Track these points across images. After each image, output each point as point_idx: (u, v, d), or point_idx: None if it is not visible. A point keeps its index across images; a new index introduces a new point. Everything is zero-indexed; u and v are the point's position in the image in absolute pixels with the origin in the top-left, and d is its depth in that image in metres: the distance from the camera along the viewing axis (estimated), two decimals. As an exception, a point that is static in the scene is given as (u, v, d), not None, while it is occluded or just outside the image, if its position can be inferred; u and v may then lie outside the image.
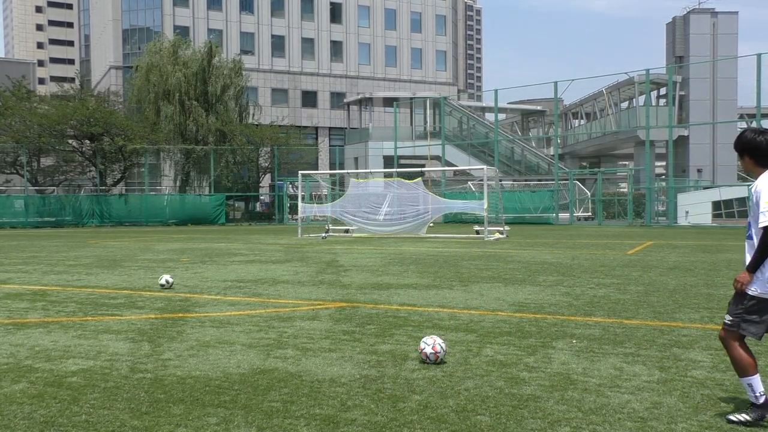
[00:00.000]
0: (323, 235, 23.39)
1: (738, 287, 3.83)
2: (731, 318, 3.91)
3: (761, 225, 3.70)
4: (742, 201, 30.85)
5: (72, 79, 65.88)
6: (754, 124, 47.61)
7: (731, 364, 3.99)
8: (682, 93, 47.75)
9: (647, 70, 35.34)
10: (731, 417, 3.83)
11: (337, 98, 68.61)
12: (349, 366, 5.10)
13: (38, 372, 5.01)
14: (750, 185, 3.98)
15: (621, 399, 4.23)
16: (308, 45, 68.36)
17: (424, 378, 4.74)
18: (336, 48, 69.53)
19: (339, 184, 40.59)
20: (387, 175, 31.23)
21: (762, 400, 3.79)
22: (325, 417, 3.92)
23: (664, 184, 37.18)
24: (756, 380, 3.83)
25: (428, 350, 5.13)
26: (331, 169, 56.06)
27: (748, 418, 3.77)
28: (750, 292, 3.82)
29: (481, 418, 3.88)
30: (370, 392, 4.40)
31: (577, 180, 40.02)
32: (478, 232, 23.51)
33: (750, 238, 3.88)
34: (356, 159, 51.76)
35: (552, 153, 48.02)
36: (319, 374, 4.87)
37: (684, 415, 3.93)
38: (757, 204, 3.78)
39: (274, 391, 4.44)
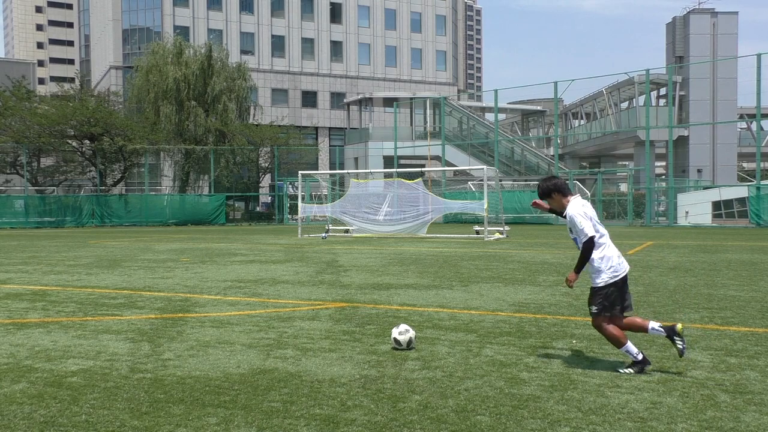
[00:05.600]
0: (323, 235, 23.39)
1: (568, 285, 4.97)
2: (596, 307, 4.94)
3: (584, 238, 4.87)
4: (743, 201, 30.86)
5: (72, 79, 65.85)
6: (753, 125, 47.59)
7: (609, 341, 5.02)
8: (682, 93, 47.75)
9: (647, 70, 35.36)
10: (620, 370, 4.85)
11: (337, 98, 68.62)
12: (349, 366, 5.10)
13: (38, 372, 5.01)
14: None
15: (621, 399, 4.23)
16: (308, 45, 68.37)
17: (424, 378, 4.74)
18: (336, 48, 69.54)
19: (339, 184, 40.60)
20: (387, 175, 31.23)
21: (640, 356, 4.86)
22: (325, 417, 3.92)
23: (664, 184, 37.22)
24: (630, 346, 4.89)
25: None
26: (331, 169, 56.08)
27: (632, 370, 4.81)
28: (597, 285, 4.93)
29: (481, 418, 3.88)
30: (370, 392, 4.40)
31: (577, 180, 40.02)
32: (478, 232, 23.52)
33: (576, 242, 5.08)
34: (356, 159, 51.77)
35: (552, 153, 48.03)
36: (319, 374, 4.87)
37: (684, 415, 3.93)
38: (573, 226, 5.01)
39: (274, 391, 4.44)
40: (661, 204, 37.56)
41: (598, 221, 5.07)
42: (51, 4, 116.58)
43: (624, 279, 4.99)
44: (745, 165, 56.56)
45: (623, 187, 47.48)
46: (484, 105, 63.12)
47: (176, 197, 40.25)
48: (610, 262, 4.95)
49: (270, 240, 22.61)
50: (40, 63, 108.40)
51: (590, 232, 4.89)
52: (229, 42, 62.96)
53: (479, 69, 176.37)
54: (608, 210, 39.33)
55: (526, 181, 45.88)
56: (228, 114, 42.66)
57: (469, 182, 41.44)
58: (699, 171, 47.30)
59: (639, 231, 27.33)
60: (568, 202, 5.15)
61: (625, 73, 59.56)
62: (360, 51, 70.33)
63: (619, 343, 4.89)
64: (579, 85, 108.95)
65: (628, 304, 5.06)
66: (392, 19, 71.59)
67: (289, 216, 41.03)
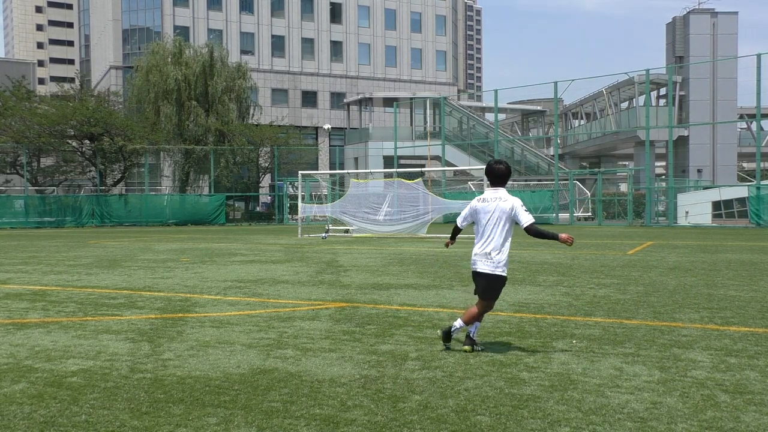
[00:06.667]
0: (323, 235, 23.39)
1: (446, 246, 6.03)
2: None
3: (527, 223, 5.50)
4: (743, 201, 30.84)
5: (72, 79, 65.82)
6: (753, 125, 47.59)
7: (477, 317, 5.60)
8: (682, 93, 47.75)
9: (647, 70, 35.34)
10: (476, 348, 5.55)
11: (337, 98, 68.61)
12: (349, 366, 5.10)
13: (38, 372, 5.01)
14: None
15: (621, 399, 4.23)
16: (308, 45, 68.36)
17: (424, 378, 4.74)
18: (336, 48, 69.53)
19: (339, 184, 40.60)
20: (387, 175, 31.22)
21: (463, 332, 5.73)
22: (325, 417, 3.92)
23: (664, 184, 37.22)
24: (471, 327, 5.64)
25: None
26: (331, 169, 56.08)
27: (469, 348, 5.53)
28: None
29: (481, 418, 3.88)
30: (370, 392, 4.40)
31: (577, 180, 40.01)
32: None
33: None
34: (356, 159, 51.77)
35: (552, 153, 48.03)
36: (319, 374, 4.87)
37: (684, 415, 3.93)
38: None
39: (274, 391, 4.44)
40: (660, 203, 37.51)
41: (483, 217, 5.63)
42: (51, 4, 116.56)
43: (475, 273, 5.67)
44: (745, 165, 56.55)
45: (623, 187, 47.51)
46: (484, 105, 63.12)
47: (176, 197, 40.23)
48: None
49: (270, 240, 22.61)
50: (40, 63, 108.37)
51: (457, 220, 5.87)
52: (229, 42, 62.95)
53: (479, 69, 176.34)
54: (608, 210, 39.33)
55: (526, 181, 45.89)
56: (228, 114, 42.67)
57: (469, 182, 41.48)
58: (699, 171, 47.30)
59: (639, 231, 27.33)
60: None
61: (625, 73, 59.59)
62: (360, 51, 70.32)
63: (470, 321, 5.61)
64: (579, 85, 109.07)
65: (477, 292, 5.74)
66: (392, 19, 71.58)
67: (289, 216, 41.02)
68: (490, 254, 5.55)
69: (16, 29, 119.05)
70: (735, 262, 13.02)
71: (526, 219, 5.47)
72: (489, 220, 5.57)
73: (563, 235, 5.43)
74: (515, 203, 5.52)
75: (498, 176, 5.68)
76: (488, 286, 5.60)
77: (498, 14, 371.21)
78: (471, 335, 5.59)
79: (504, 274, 5.58)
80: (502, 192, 5.64)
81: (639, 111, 44.36)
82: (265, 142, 43.65)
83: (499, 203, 5.55)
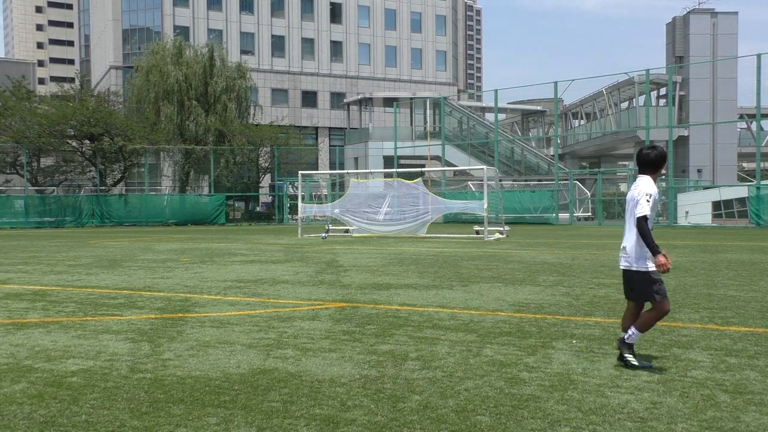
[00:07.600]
0: (323, 235, 23.39)
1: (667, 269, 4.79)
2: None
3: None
4: (743, 201, 30.84)
5: (72, 79, 65.80)
6: (753, 125, 47.61)
7: (648, 325, 5.01)
8: (682, 93, 47.76)
9: (647, 70, 35.35)
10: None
11: (337, 98, 68.60)
12: (349, 366, 5.10)
13: (38, 372, 5.01)
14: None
15: (621, 399, 4.23)
16: (308, 45, 68.35)
17: (424, 378, 4.74)
18: (336, 48, 69.52)
19: (338, 185, 40.61)
20: (387, 175, 31.23)
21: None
22: (325, 417, 3.92)
23: (664, 184, 37.23)
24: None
25: None
26: (331, 169, 56.08)
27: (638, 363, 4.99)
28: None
29: (481, 418, 3.88)
30: (370, 392, 4.40)
31: (577, 180, 40.03)
32: (478, 232, 23.52)
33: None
34: (356, 159, 51.77)
35: (552, 153, 48.03)
36: (319, 374, 4.87)
37: (684, 415, 3.93)
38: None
39: (274, 391, 4.44)
40: (659, 203, 37.49)
41: (627, 206, 5.19)
42: (51, 4, 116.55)
43: (623, 271, 5.18)
44: (745, 165, 56.57)
45: (623, 187, 47.52)
46: (484, 105, 63.10)
47: (176, 197, 40.24)
48: None
49: (270, 240, 22.61)
50: (40, 63, 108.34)
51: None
52: (229, 42, 62.94)
53: (479, 69, 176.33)
54: (608, 210, 39.32)
55: (526, 181, 45.87)
56: (228, 114, 42.69)
57: (469, 182, 41.46)
58: (699, 171, 47.31)
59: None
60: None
61: (625, 73, 59.60)
62: (360, 51, 70.31)
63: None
64: (579, 85, 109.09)
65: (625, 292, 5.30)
66: (392, 19, 71.57)
67: (289, 216, 41.03)
68: (625, 247, 5.09)
69: (16, 29, 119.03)
70: (735, 262, 13.02)
71: (638, 210, 4.89)
72: (628, 209, 5.13)
73: (661, 259, 4.78)
74: (642, 190, 4.95)
75: (643, 162, 5.13)
76: (634, 287, 5.07)
77: (498, 14, 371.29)
78: (625, 339, 5.06)
79: (643, 268, 4.94)
80: (642, 180, 5.08)
81: (639, 111, 44.37)
82: (265, 142, 43.66)
83: (634, 191, 5.05)
